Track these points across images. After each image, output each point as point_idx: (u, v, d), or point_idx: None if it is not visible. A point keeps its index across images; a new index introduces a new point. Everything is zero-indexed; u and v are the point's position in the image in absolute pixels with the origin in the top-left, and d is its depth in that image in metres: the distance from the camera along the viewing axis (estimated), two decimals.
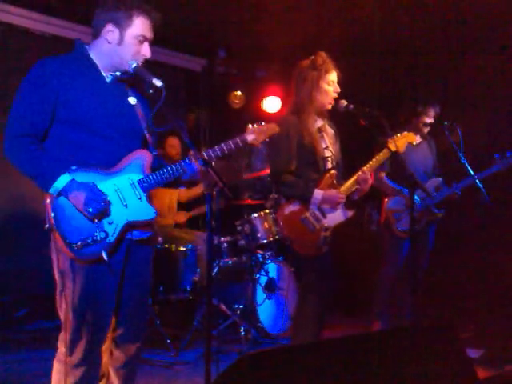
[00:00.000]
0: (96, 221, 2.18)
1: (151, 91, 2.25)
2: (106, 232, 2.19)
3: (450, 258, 5.07)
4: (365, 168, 3.11)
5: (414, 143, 3.97)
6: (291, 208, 3.09)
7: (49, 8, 4.91)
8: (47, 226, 2.19)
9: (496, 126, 4.92)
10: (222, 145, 2.41)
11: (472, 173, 3.79)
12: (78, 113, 2.22)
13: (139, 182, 2.29)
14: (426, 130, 4.12)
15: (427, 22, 4.87)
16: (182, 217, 5.20)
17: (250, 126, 2.53)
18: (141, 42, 2.29)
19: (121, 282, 2.30)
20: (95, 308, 2.22)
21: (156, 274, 4.40)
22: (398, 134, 3.20)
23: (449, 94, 5.09)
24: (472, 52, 4.97)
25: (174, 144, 4.99)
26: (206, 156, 2.34)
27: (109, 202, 2.21)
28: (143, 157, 2.33)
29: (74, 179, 2.17)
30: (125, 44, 2.28)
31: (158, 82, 2.24)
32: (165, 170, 2.32)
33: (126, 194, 2.26)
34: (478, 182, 3.77)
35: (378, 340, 1.75)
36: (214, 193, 2.50)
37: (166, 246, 4.54)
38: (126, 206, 2.25)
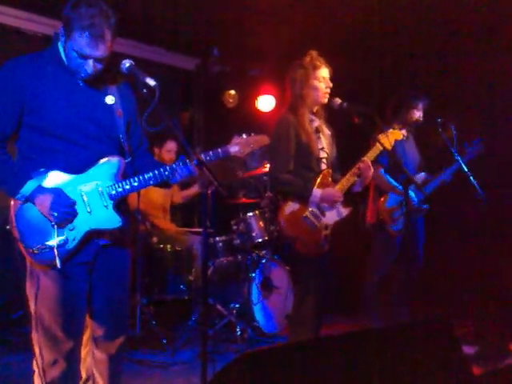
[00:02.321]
0: (59, 226, 2.14)
1: (145, 90, 2.20)
2: (66, 238, 2.16)
3: (446, 255, 5.09)
4: (364, 158, 3.14)
5: (404, 138, 4.01)
6: (291, 208, 3.10)
7: (40, 7, 4.88)
8: (8, 226, 2.19)
9: (490, 124, 4.93)
10: (203, 154, 2.34)
11: (466, 169, 3.80)
12: (46, 119, 2.17)
13: (107, 189, 2.24)
14: (415, 124, 4.12)
15: (424, 18, 4.88)
16: (178, 197, 5.17)
17: (235, 137, 2.43)
18: (81, 57, 2.15)
19: (92, 283, 2.27)
20: (63, 309, 2.21)
21: (151, 274, 4.48)
22: (385, 132, 3.24)
23: (444, 92, 5.10)
24: (470, 50, 4.98)
25: (170, 149, 4.95)
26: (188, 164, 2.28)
27: (75, 207, 2.17)
28: (115, 163, 2.27)
29: (40, 185, 2.15)
30: (68, 56, 2.19)
31: (151, 82, 2.20)
32: (136, 178, 2.26)
33: (91, 200, 2.22)
34: (472, 178, 3.78)
35: (375, 337, 1.76)
36: (209, 192, 2.49)
37: (161, 246, 4.54)
38: (90, 212, 2.21)
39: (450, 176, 3.96)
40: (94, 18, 2.09)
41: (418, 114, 4.05)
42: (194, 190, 5.10)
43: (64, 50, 2.21)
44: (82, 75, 2.21)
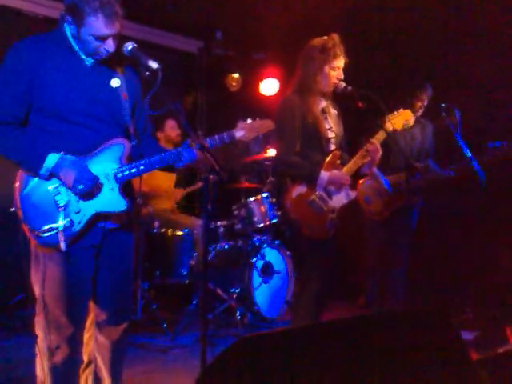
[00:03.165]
0: (83, 198, 2.17)
1: (147, 73, 2.19)
2: (71, 221, 2.16)
3: (445, 242, 5.09)
4: (373, 139, 3.10)
5: (407, 126, 4.01)
6: (298, 190, 3.05)
7: None
8: (13, 208, 2.19)
9: (493, 111, 4.90)
10: (208, 139, 2.34)
11: (469, 155, 3.78)
12: (53, 102, 2.16)
13: (113, 172, 2.24)
14: (420, 113, 4.12)
15: (429, 2, 4.82)
16: (179, 194, 5.19)
17: (240, 122, 2.42)
18: (100, 39, 2.16)
19: (97, 267, 2.28)
20: (68, 293, 2.21)
21: (152, 259, 4.49)
22: (395, 112, 3.21)
23: (448, 78, 5.06)
24: (471, 37, 4.93)
25: (173, 126, 4.98)
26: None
27: (99, 180, 2.19)
28: (121, 146, 2.26)
29: (62, 156, 2.14)
30: (82, 40, 2.17)
31: (154, 64, 2.19)
32: (142, 162, 2.26)
33: None
34: (475, 164, 3.76)
35: (373, 323, 1.75)
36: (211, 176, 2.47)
37: (163, 230, 4.54)
38: (96, 195, 2.21)
39: (453, 172, 3.96)
40: None
41: (419, 104, 4.06)
42: (198, 186, 5.14)
43: (76, 37, 2.19)
44: (101, 55, 2.21)
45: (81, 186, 2.13)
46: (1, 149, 2.17)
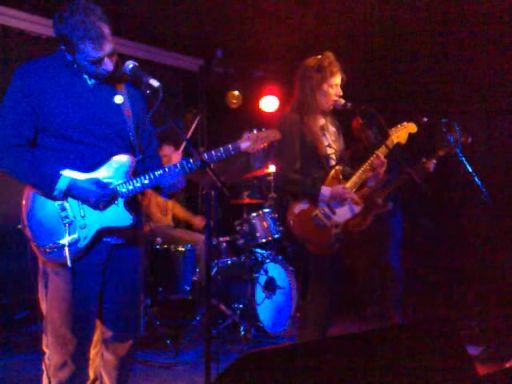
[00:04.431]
0: (100, 208, 2.21)
1: (148, 92, 2.22)
2: (77, 237, 2.18)
3: (450, 255, 5.08)
4: (377, 152, 3.09)
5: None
6: (301, 207, 3.05)
7: (44, 9, 4.90)
8: (20, 226, 2.20)
9: (494, 124, 4.93)
10: (212, 152, 2.33)
11: (471, 170, 3.79)
12: (57, 121, 2.19)
13: (118, 187, 2.26)
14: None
15: (427, 19, 4.88)
16: (181, 213, 5.19)
17: (245, 132, 2.40)
18: (94, 63, 2.19)
19: (104, 283, 2.29)
20: (74, 310, 2.21)
21: (155, 275, 4.49)
22: (398, 126, 3.20)
23: (449, 92, 5.10)
24: (471, 50, 4.97)
25: (167, 154, 4.93)
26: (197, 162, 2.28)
27: (114, 186, 2.22)
28: (125, 161, 2.28)
29: (73, 178, 2.17)
30: (80, 65, 2.21)
31: (155, 83, 2.21)
32: (146, 177, 2.28)
33: None
34: (476, 179, 3.77)
35: (379, 337, 1.75)
36: (213, 193, 2.48)
37: (165, 246, 4.54)
38: (101, 211, 2.23)
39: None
40: (84, 22, 2.09)
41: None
42: (196, 221, 5.09)
43: (75, 64, 2.23)
44: (102, 76, 2.25)
45: (103, 199, 2.18)
46: (11, 171, 2.19)
